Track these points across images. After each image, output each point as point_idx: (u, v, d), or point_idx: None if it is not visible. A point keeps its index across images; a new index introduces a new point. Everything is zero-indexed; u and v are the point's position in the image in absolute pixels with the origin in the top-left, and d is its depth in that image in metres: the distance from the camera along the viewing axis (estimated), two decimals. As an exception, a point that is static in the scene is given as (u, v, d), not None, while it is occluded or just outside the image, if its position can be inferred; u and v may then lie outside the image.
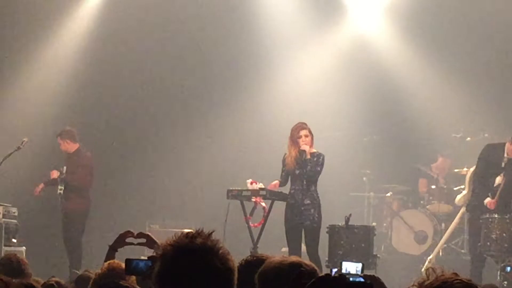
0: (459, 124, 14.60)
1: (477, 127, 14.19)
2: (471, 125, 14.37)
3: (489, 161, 11.22)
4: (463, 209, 12.86)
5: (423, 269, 11.79)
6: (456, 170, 14.47)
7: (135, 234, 5.14)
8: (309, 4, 15.50)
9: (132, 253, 5.11)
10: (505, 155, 11.09)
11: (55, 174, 12.42)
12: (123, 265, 4.76)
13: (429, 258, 12.97)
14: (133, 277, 4.57)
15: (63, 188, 12.30)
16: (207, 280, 2.90)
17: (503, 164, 11.08)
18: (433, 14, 15.24)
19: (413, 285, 2.84)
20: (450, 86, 15.09)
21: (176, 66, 15.45)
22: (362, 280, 2.05)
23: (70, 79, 14.95)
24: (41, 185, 12.61)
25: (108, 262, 4.79)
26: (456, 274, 2.88)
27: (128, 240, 5.16)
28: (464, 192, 13.24)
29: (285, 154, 11.10)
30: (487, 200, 11.10)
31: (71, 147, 12.56)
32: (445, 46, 15.19)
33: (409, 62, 15.41)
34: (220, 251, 2.96)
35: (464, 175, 13.79)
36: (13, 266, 6.32)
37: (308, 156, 10.85)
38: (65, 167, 12.41)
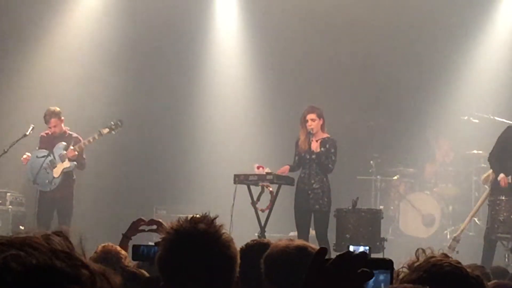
0: (466, 106, 14.56)
1: (484, 110, 14.13)
2: (479, 107, 14.32)
3: (508, 143, 11.03)
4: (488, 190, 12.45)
5: (447, 247, 11.61)
6: (467, 152, 14.42)
7: (147, 221, 5.14)
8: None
9: (139, 239, 5.11)
10: None
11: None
12: (118, 248, 4.74)
13: (454, 236, 12.50)
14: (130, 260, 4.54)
15: (67, 167, 12.02)
16: (208, 266, 2.89)
17: None
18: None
19: (402, 267, 2.83)
20: (458, 69, 15.05)
21: (183, 54, 15.43)
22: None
23: (78, 69, 14.95)
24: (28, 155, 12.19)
25: (103, 245, 4.75)
26: (446, 255, 2.86)
27: (140, 227, 5.17)
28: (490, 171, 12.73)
29: (298, 138, 11.10)
30: (501, 176, 10.89)
31: (62, 127, 12.16)
32: (453, 29, 15.13)
33: (417, 45, 15.35)
34: (222, 237, 2.95)
35: (472, 157, 13.73)
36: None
37: (316, 149, 10.82)
38: (63, 144, 12.04)
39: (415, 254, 2.85)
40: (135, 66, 15.32)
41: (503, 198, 10.81)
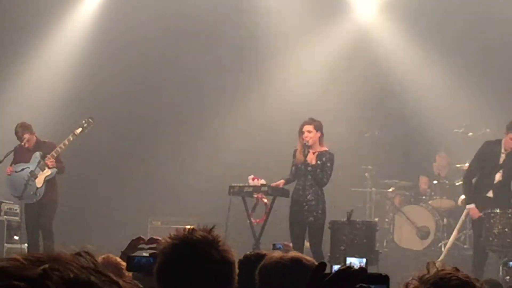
0: (461, 119, 14.59)
1: (479, 122, 14.17)
2: (473, 120, 14.35)
3: (486, 158, 11.20)
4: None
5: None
6: (458, 165, 14.45)
7: (146, 240, 5.13)
8: (311, 2, 15.50)
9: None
10: (502, 150, 11.07)
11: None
12: (118, 259, 4.74)
13: (439, 260, 12.65)
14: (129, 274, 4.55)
15: (49, 175, 12.04)
16: (207, 273, 2.89)
17: (501, 160, 11.06)
18: (435, 11, 15.23)
19: (412, 279, 2.85)
20: (452, 82, 15.09)
21: (180, 64, 15.45)
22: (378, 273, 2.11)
23: (74, 75, 14.95)
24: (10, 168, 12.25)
25: (102, 256, 4.75)
26: (457, 269, 2.87)
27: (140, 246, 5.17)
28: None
29: (296, 148, 11.11)
30: (471, 207, 11.18)
31: (35, 139, 12.22)
32: (447, 42, 15.18)
33: (411, 58, 15.42)
34: (220, 245, 2.96)
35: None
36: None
37: (312, 161, 10.83)
38: (39, 153, 12.07)
39: (426, 267, 2.87)
40: (133, 75, 15.33)
41: (498, 211, 10.83)
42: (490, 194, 11.13)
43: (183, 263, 2.91)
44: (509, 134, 10.91)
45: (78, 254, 1.43)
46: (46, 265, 1.33)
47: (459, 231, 13.40)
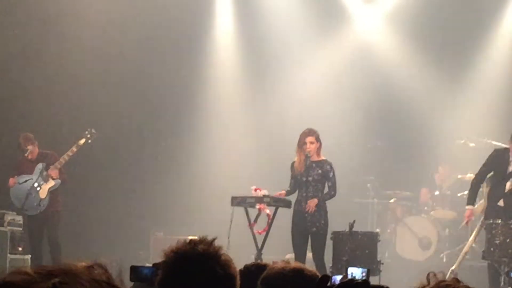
0: (463, 130, 14.62)
1: (480, 133, 14.19)
2: (475, 131, 14.37)
3: (495, 166, 11.18)
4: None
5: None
6: (459, 176, 14.46)
7: None
8: (314, 12, 15.55)
9: (135, 260, 5.15)
10: (511, 159, 11.06)
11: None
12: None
13: (451, 269, 12.54)
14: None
15: (52, 186, 12.09)
16: (209, 286, 2.92)
17: (510, 169, 11.05)
18: (436, 22, 15.27)
19: None
20: (454, 93, 15.13)
21: (182, 75, 15.49)
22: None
23: (75, 86, 14.97)
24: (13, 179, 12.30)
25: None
26: (457, 280, 2.90)
27: None
28: (482, 201, 12.88)
29: (293, 161, 11.14)
30: (468, 207, 11.22)
31: (37, 150, 12.29)
32: (449, 53, 15.22)
33: (413, 69, 15.45)
34: (222, 258, 2.98)
35: (468, 181, 13.77)
36: None
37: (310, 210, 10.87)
38: (41, 165, 12.13)
39: (426, 278, 2.89)
40: (135, 86, 15.35)
41: (500, 221, 10.84)
42: (501, 203, 11.11)
43: (185, 278, 2.94)
44: None
45: (91, 267, 1.43)
46: (57, 279, 1.34)
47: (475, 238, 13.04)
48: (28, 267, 1.43)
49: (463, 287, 2.84)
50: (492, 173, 11.26)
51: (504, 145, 11.45)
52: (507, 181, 11.07)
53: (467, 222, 11.41)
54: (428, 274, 2.89)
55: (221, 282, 2.95)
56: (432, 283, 2.84)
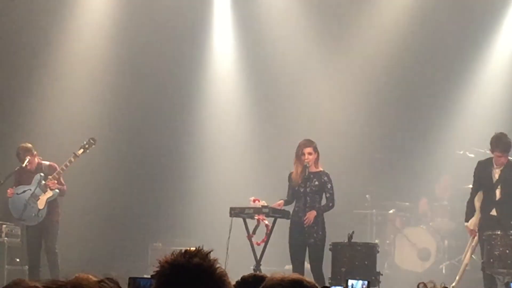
0: (462, 141, 14.61)
1: (480, 144, 14.18)
2: (474, 141, 14.36)
3: (481, 178, 11.21)
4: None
5: None
6: (463, 187, 14.41)
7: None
8: (320, 24, 15.49)
9: (135, 271, 5.12)
10: (495, 166, 11.05)
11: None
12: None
13: (452, 285, 12.48)
14: None
15: (50, 197, 12.07)
16: None
17: (496, 177, 11.05)
18: (441, 31, 15.25)
19: None
20: (453, 104, 15.13)
21: (185, 86, 15.51)
22: None
23: (76, 96, 14.96)
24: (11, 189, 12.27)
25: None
26: None
27: None
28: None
29: (291, 171, 11.13)
30: (466, 224, 11.22)
31: (36, 161, 12.26)
32: (448, 61, 15.24)
33: (410, 79, 15.45)
34: (216, 272, 2.94)
35: (468, 191, 13.74)
36: None
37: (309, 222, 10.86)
38: (40, 175, 12.10)
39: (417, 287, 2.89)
40: (137, 97, 15.35)
41: (499, 232, 10.82)
42: (493, 212, 11.10)
43: None
44: (494, 152, 10.94)
45: (102, 281, 1.41)
46: None
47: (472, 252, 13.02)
48: (27, 279, 1.41)
49: None
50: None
51: (490, 154, 11.40)
52: (495, 189, 11.08)
53: (473, 236, 11.33)
54: (418, 284, 2.88)
55: None
56: None
